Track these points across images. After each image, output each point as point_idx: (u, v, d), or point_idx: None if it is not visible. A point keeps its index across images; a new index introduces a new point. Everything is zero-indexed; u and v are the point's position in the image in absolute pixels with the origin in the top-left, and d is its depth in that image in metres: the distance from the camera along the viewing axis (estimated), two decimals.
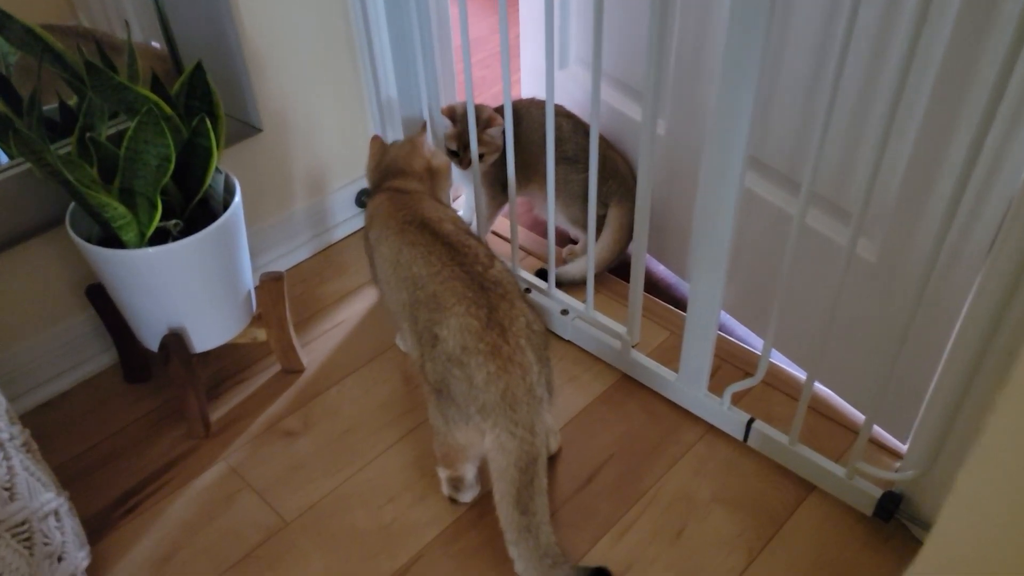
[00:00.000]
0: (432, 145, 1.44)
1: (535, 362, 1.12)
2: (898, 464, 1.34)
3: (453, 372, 1.11)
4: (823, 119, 1.01)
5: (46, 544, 1.09)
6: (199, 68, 1.30)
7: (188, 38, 1.43)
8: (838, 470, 1.27)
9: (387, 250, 1.27)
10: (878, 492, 1.24)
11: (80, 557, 1.18)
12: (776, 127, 1.30)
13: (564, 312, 1.55)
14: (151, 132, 1.18)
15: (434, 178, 1.42)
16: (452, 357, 1.11)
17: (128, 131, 1.18)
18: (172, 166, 1.20)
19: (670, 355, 1.53)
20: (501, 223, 1.87)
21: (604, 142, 1.69)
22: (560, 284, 1.58)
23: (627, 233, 1.70)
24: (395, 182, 1.38)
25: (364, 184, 1.84)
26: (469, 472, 1.26)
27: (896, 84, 0.93)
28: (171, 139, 1.19)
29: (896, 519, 1.25)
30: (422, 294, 1.18)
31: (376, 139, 1.50)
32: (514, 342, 1.11)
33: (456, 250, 1.20)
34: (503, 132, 1.61)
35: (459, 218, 1.32)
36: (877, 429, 1.38)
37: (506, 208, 1.80)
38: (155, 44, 1.44)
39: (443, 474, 1.28)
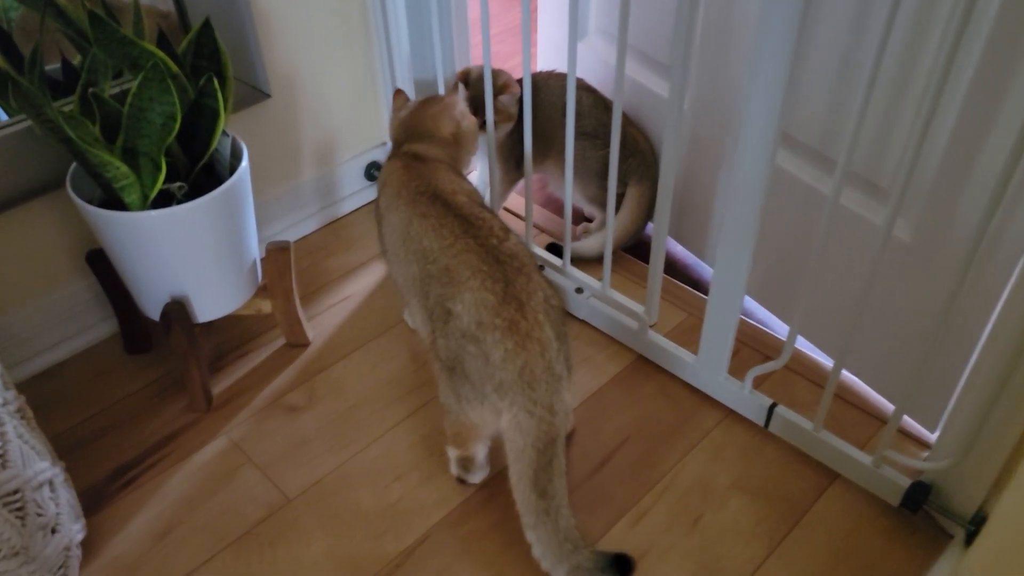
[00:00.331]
0: (463, 107, 1.37)
1: (554, 338, 1.07)
2: (925, 454, 1.29)
3: (468, 349, 1.06)
4: (864, 91, 0.95)
5: (39, 515, 1.04)
6: (207, 26, 1.25)
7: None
8: (864, 458, 1.22)
9: (397, 221, 1.22)
10: (906, 482, 1.19)
11: (75, 530, 1.13)
12: (807, 99, 1.25)
13: (579, 290, 1.50)
14: (156, 89, 1.13)
15: (459, 143, 1.36)
16: (467, 333, 1.06)
17: (132, 87, 1.13)
18: (178, 125, 1.15)
19: (687, 337, 1.49)
20: (513, 200, 1.82)
21: (624, 118, 1.63)
22: (572, 261, 1.53)
23: (644, 213, 1.65)
24: (416, 147, 1.32)
25: (374, 157, 1.79)
26: (480, 452, 1.21)
27: (947, 49, 0.88)
28: (177, 97, 1.14)
29: (923, 510, 1.20)
30: (433, 268, 1.13)
31: (400, 94, 1.44)
32: (532, 317, 1.06)
33: (469, 223, 1.15)
34: (518, 100, 1.56)
35: (475, 191, 1.26)
36: (904, 417, 1.33)
37: (519, 185, 1.75)
38: (162, 8, 1.39)
39: (452, 454, 1.23)
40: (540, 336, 1.05)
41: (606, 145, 1.57)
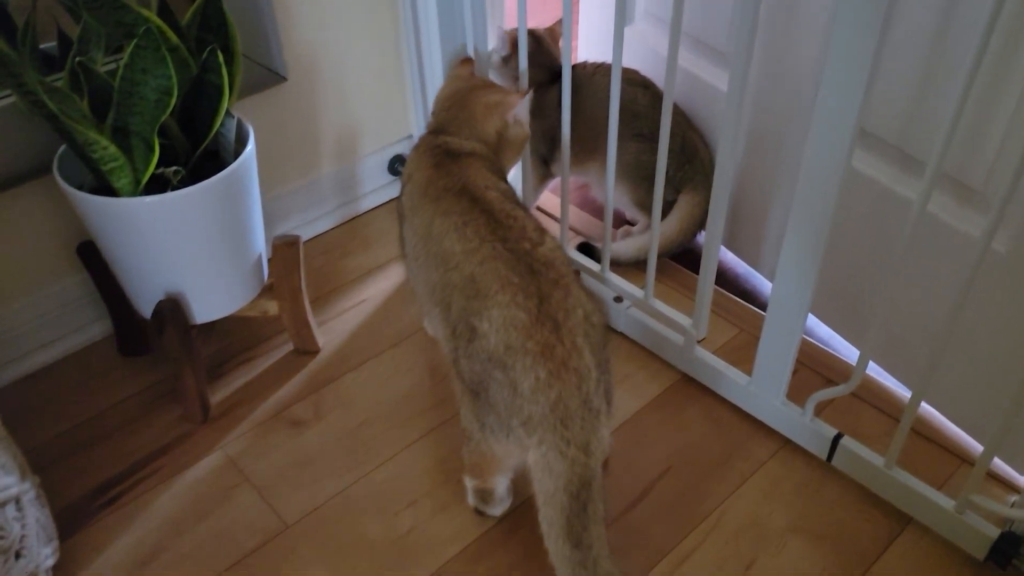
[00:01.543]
0: (522, 113, 1.20)
1: (593, 367, 0.92)
2: (1014, 498, 1.12)
3: (494, 375, 0.91)
4: (965, 82, 0.80)
5: (0, 538, 0.92)
6: None
7: None
8: (945, 502, 1.06)
9: (419, 222, 1.08)
10: (994, 531, 1.03)
11: (45, 554, 1.01)
12: (886, 88, 1.09)
13: (618, 299, 1.35)
14: (150, 59, 1.01)
15: (501, 147, 1.20)
16: (493, 356, 0.91)
17: (123, 58, 1.00)
18: (173, 101, 1.03)
19: (738, 355, 1.33)
20: (546, 199, 1.68)
21: (684, 120, 1.48)
22: (609, 265, 1.38)
23: (696, 223, 1.48)
24: (452, 140, 1.16)
25: (398, 150, 1.66)
26: (501, 485, 1.07)
27: None
28: (173, 69, 1.02)
29: (1014, 566, 1.04)
30: (456, 275, 0.98)
31: (468, 63, 1.29)
32: (569, 341, 0.91)
33: (498, 222, 1.00)
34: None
35: (510, 189, 1.12)
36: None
37: (552, 184, 1.61)
38: None
39: (470, 484, 1.09)
40: (578, 364, 0.90)
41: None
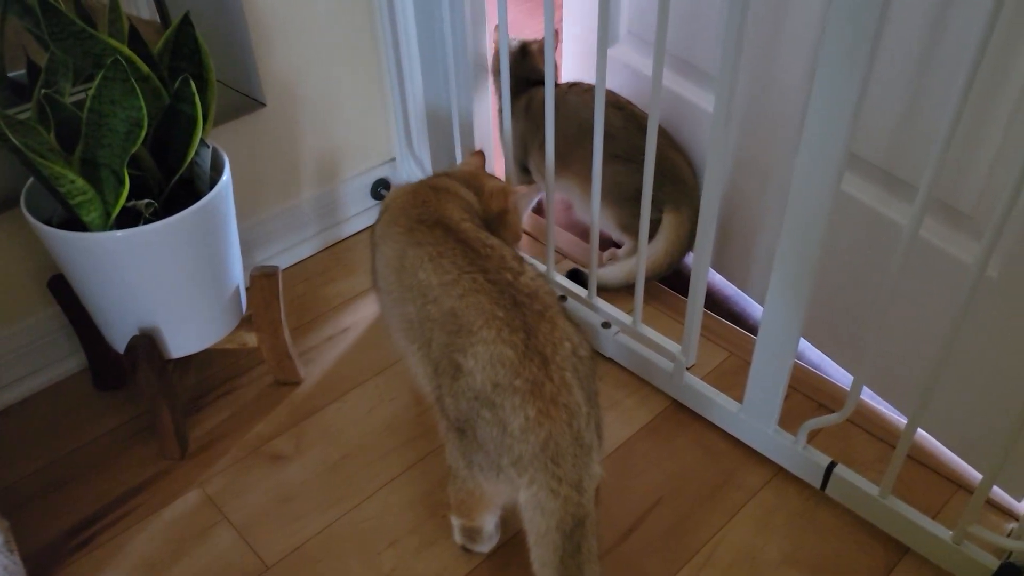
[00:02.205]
0: (522, 203, 1.24)
1: (583, 402, 0.89)
2: (1011, 526, 1.10)
3: (481, 413, 0.88)
4: (955, 104, 0.78)
5: None
6: (186, 23, 1.10)
7: None
8: (942, 532, 1.03)
9: (390, 252, 1.05)
10: (992, 562, 1.00)
11: None
12: (874, 111, 1.07)
13: (606, 325, 1.33)
14: (118, 91, 0.98)
15: (496, 221, 1.19)
16: (480, 395, 0.88)
17: (90, 89, 0.98)
18: (144, 133, 1.00)
19: (728, 380, 1.31)
20: (530, 221, 1.65)
21: (665, 139, 1.46)
22: (597, 291, 1.35)
23: (683, 245, 1.46)
24: (443, 179, 1.15)
25: (381, 174, 1.64)
26: (489, 523, 1.03)
27: None
28: (143, 100, 0.99)
29: None
30: (435, 310, 0.95)
31: (480, 155, 1.31)
32: (559, 377, 0.88)
33: (475, 251, 0.98)
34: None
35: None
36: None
37: (538, 196, 1.59)
38: (145, 16, 1.25)
39: (457, 522, 1.06)
40: (568, 401, 0.87)
41: (641, 170, 1.40)
